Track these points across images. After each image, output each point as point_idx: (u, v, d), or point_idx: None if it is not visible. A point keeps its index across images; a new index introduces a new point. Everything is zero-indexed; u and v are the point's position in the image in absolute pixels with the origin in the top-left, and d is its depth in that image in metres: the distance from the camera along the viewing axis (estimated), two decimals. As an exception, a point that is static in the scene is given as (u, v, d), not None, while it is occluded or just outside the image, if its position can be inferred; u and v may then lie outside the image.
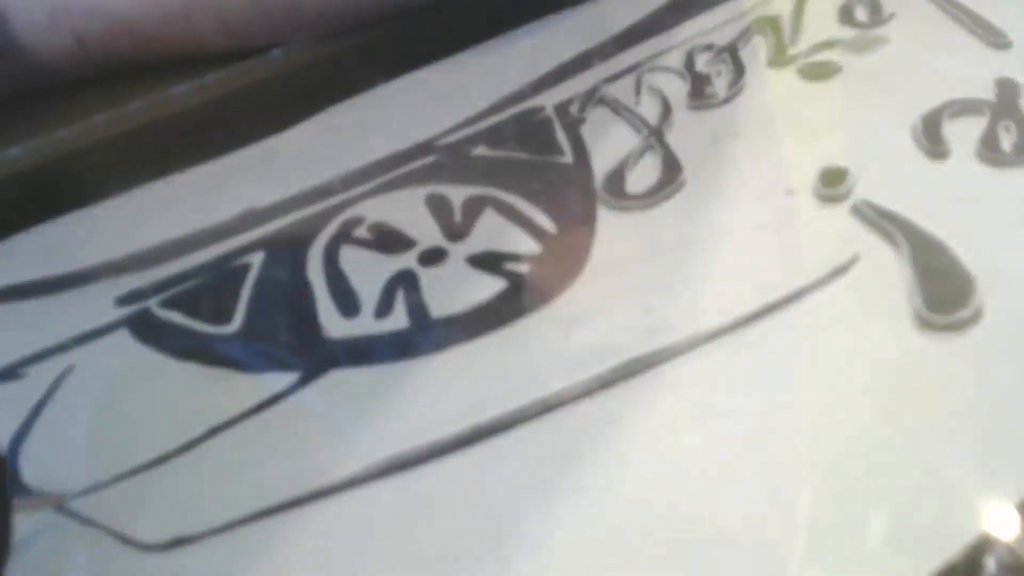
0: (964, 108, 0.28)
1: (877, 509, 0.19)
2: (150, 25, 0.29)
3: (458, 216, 0.26)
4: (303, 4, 0.30)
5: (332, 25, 0.30)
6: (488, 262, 0.25)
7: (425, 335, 0.23)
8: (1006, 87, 0.28)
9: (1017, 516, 0.19)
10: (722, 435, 0.21)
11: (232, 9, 0.29)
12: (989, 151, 0.26)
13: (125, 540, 0.20)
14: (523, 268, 0.25)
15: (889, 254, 0.24)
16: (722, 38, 0.31)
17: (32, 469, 0.21)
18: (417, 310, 0.24)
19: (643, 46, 0.31)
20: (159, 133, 0.29)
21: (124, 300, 0.25)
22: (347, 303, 0.24)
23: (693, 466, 0.21)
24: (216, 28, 0.30)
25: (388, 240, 0.26)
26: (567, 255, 0.25)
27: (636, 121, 0.29)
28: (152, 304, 0.25)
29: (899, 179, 0.26)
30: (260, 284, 0.25)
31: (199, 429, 0.22)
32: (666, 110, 0.29)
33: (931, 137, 0.27)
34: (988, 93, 0.28)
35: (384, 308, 0.24)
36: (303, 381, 0.23)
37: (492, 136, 0.29)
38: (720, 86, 0.30)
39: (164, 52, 0.30)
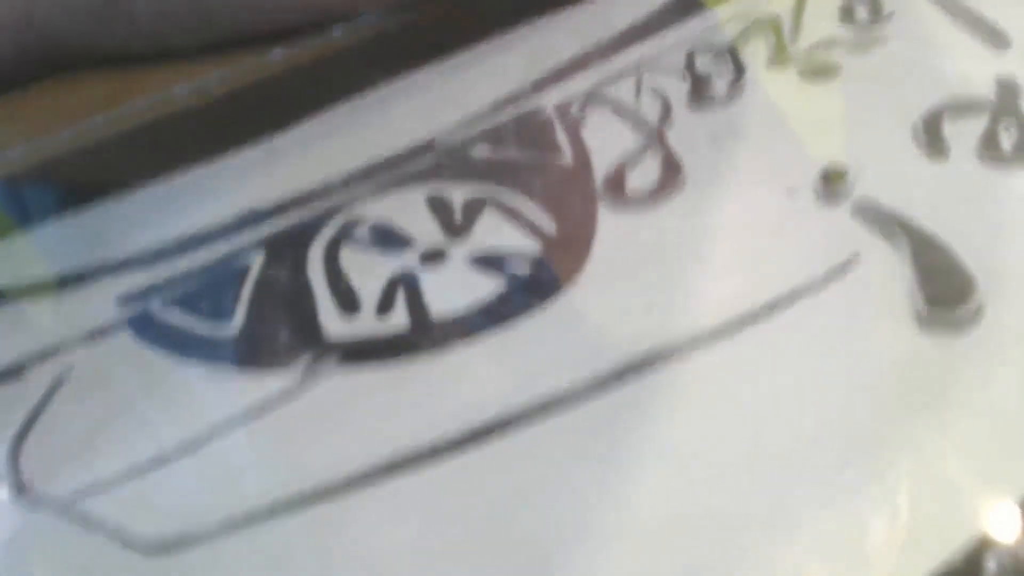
0: (964, 108, 0.28)
1: (877, 509, 0.19)
2: (76, 34, 0.31)
3: (458, 216, 0.26)
4: (213, 13, 0.31)
5: (244, 33, 0.31)
6: (488, 262, 0.25)
7: (425, 335, 0.23)
8: (1006, 87, 0.28)
9: (1018, 515, 0.19)
10: (722, 434, 0.21)
11: (147, 19, 0.31)
12: (989, 151, 0.26)
13: (125, 540, 0.20)
14: (523, 268, 0.25)
15: (889, 253, 0.24)
16: (722, 38, 0.31)
17: (32, 469, 0.21)
18: (417, 310, 0.24)
19: (643, 46, 0.31)
20: (159, 133, 0.29)
21: (124, 300, 0.25)
22: (347, 303, 0.24)
23: (693, 465, 0.21)
24: (136, 35, 0.31)
25: (388, 240, 0.26)
26: (567, 255, 0.25)
27: (636, 121, 0.29)
28: (152, 304, 0.25)
29: (899, 178, 0.26)
30: (260, 284, 0.25)
31: (199, 429, 0.22)
32: (666, 110, 0.29)
33: (931, 136, 0.27)
34: (988, 93, 0.28)
35: (384, 308, 0.24)
36: (303, 381, 0.23)
37: (492, 136, 0.29)
38: (720, 86, 0.30)
39: (93, 54, 0.32)
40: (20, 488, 0.21)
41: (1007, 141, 0.27)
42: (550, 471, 0.21)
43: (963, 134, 0.27)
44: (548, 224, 0.26)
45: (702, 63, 0.31)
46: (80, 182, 0.28)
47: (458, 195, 0.27)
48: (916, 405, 0.21)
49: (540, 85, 0.30)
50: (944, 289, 0.23)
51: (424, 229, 0.26)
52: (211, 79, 0.30)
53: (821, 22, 0.31)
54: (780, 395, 0.22)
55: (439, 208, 0.27)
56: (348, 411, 0.22)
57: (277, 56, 0.30)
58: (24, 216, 0.27)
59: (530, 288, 0.24)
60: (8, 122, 0.29)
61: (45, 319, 0.25)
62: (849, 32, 0.31)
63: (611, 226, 0.26)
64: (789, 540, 0.19)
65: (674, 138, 0.28)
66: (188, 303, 0.25)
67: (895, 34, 0.31)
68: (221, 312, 0.24)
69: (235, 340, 0.23)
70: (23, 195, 0.28)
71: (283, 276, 0.25)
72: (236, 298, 0.25)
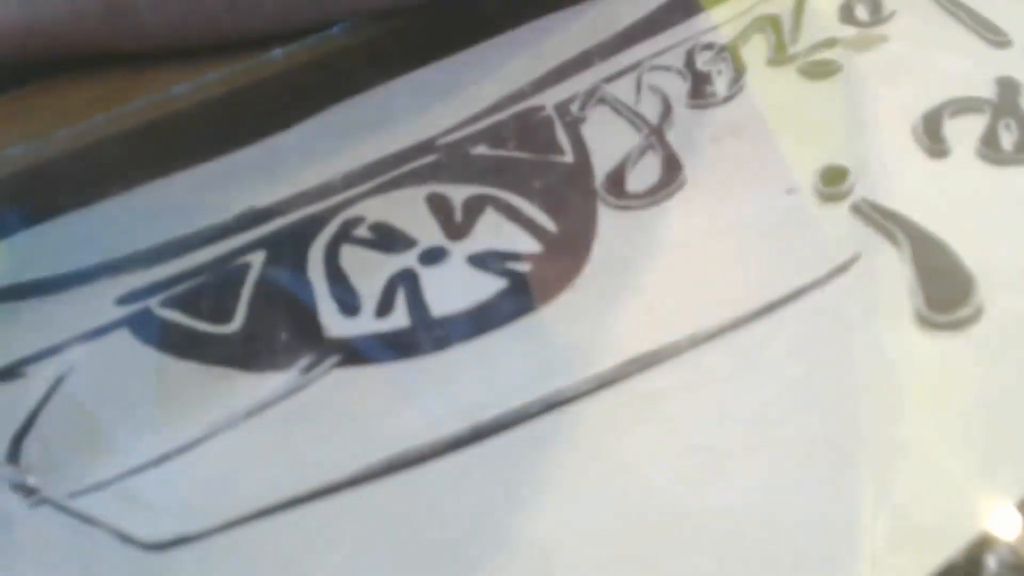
0: (965, 107, 0.28)
1: (877, 509, 0.19)
2: (79, 34, 0.32)
3: (459, 215, 0.26)
4: (215, 13, 0.32)
5: (244, 35, 0.32)
6: (489, 261, 0.25)
7: (425, 334, 0.23)
8: (1006, 86, 0.28)
9: (1018, 515, 0.19)
10: (722, 434, 0.21)
11: (149, 21, 0.32)
12: (990, 150, 0.26)
13: (126, 539, 0.20)
14: (524, 267, 0.25)
15: (890, 253, 0.24)
16: (722, 37, 0.31)
17: (32, 468, 0.21)
18: (418, 309, 0.24)
19: (643, 45, 0.31)
20: (159, 133, 0.29)
21: (124, 300, 0.25)
22: (347, 302, 0.24)
23: (693, 465, 0.21)
24: (137, 36, 0.32)
25: (389, 239, 0.26)
26: (567, 254, 0.25)
27: (636, 120, 0.29)
28: (152, 304, 0.25)
29: (900, 178, 0.26)
30: (260, 283, 0.25)
31: (199, 429, 0.22)
32: (666, 109, 0.29)
33: (932, 136, 0.27)
34: (989, 92, 0.28)
35: (385, 307, 0.24)
36: (303, 381, 0.23)
37: (492, 135, 0.29)
38: (720, 85, 0.30)
39: (95, 54, 0.32)
40: (20, 487, 0.21)
41: (1007, 140, 0.27)
42: (550, 470, 0.21)
43: (963, 133, 0.27)
44: (548, 223, 0.26)
45: (702, 62, 0.31)
46: (80, 182, 0.28)
47: (458, 195, 0.27)
48: (916, 405, 0.21)
49: (540, 84, 0.30)
50: (944, 289, 0.23)
51: (424, 229, 0.26)
52: (211, 79, 0.30)
53: (821, 22, 0.31)
54: (779, 395, 0.22)
55: (439, 208, 0.27)
56: (348, 411, 0.22)
57: (277, 56, 0.30)
58: (24, 216, 0.27)
59: (530, 287, 0.24)
60: (8, 122, 0.29)
61: (45, 319, 0.25)
62: (849, 31, 0.31)
63: (611, 225, 0.26)
64: (789, 539, 0.19)
65: (674, 137, 0.28)
66: (188, 303, 0.25)
67: (895, 34, 0.31)
68: (221, 312, 0.24)
69: (235, 340, 0.23)
70: (24, 195, 0.28)
71: (283, 276, 0.25)
72: (236, 298, 0.25)
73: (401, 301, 0.24)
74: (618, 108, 0.29)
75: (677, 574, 0.19)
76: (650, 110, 0.29)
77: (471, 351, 0.23)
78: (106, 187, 0.28)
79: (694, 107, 0.29)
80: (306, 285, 0.25)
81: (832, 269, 0.24)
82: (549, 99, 0.30)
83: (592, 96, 0.30)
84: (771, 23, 0.32)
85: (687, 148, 0.28)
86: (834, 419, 0.21)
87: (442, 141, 0.29)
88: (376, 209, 0.27)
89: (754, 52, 0.31)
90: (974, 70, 0.29)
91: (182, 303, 0.25)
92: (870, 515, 0.19)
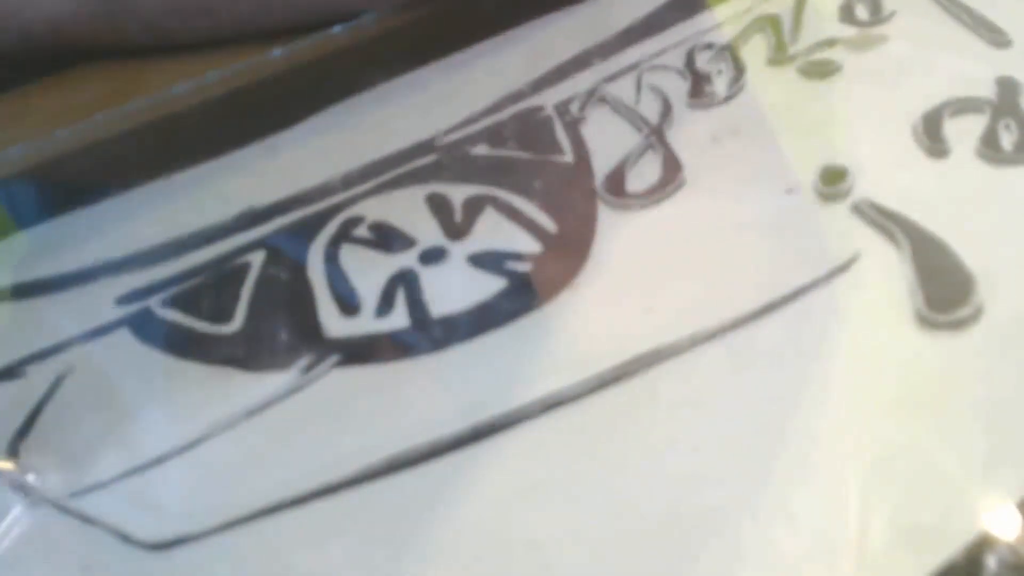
0: (965, 106, 0.28)
1: (877, 508, 0.19)
2: (81, 25, 0.31)
3: (458, 215, 0.26)
4: (214, 6, 0.31)
5: (246, 28, 0.32)
6: (488, 261, 0.25)
7: (425, 334, 0.23)
8: (1006, 86, 0.28)
9: (1018, 515, 0.19)
10: (722, 434, 0.21)
11: (151, 11, 0.31)
12: (989, 150, 0.26)
13: (126, 539, 0.20)
14: (524, 267, 0.25)
15: (890, 253, 0.24)
16: (722, 37, 0.31)
17: (32, 469, 0.21)
18: (417, 309, 0.24)
19: (643, 45, 0.31)
20: (159, 133, 0.29)
21: (124, 300, 0.25)
22: (347, 302, 0.24)
23: (693, 465, 0.21)
24: (139, 27, 0.32)
25: (389, 239, 0.26)
26: (567, 254, 0.25)
27: (636, 120, 0.29)
28: (152, 303, 0.25)
29: (899, 178, 0.26)
30: (260, 283, 0.25)
31: (199, 429, 0.22)
32: (666, 109, 0.29)
33: (931, 136, 0.27)
34: (989, 92, 0.28)
35: (385, 307, 0.24)
36: (303, 381, 0.23)
37: (492, 135, 0.29)
38: (720, 85, 0.30)
39: (97, 46, 0.32)
40: (20, 487, 0.21)
41: (1007, 140, 0.27)
42: (549, 470, 0.21)
43: (963, 133, 0.27)
44: (548, 223, 0.26)
45: (702, 62, 0.31)
46: (80, 181, 0.28)
47: (458, 194, 0.27)
48: (916, 405, 0.21)
49: (540, 84, 0.30)
50: (944, 289, 0.23)
51: (424, 228, 0.26)
52: (211, 79, 0.30)
53: (821, 21, 0.31)
54: (779, 394, 0.22)
55: (439, 207, 0.27)
56: (348, 411, 0.22)
57: (277, 56, 0.30)
58: (24, 216, 0.27)
59: (530, 287, 0.24)
60: (8, 122, 0.29)
61: (45, 319, 0.25)
62: (849, 30, 0.31)
63: (611, 225, 0.26)
64: (789, 539, 0.19)
65: (674, 137, 0.28)
66: (188, 303, 0.25)
67: (895, 34, 0.31)
68: (221, 312, 0.24)
69: (235, 340, 0.23)
70: (23, 195, 0.28)
71: (283, 275, 0.25)
72: (236, 297, 0.25)
73: (401, 301, 0.24)
74: (618, 108, 0.29)
75: (676, 574, 0.19)
76: (650, 110, 0.29)
77: (471, 351, 0.23)
78: (106, 187, 0.28)
79: (694, 107, 0.29)
80: (306, 285, 0.25)
81: (832, 269, 0.24)
82: (549, 99, 0.30)
83: (592, 96, 0.30)
84: (771, 23, 0.32)
85: (687, 148, 0.28)
86: (834, 419, 0.21)
87: (442, 141, 0.29)
88: (376, 209, 0.27)
89: (754, 52, 0.31)
90: (974, 70, 0.29)
91: (182, 303, 0.25)
92: (870, 515, 0.19)
